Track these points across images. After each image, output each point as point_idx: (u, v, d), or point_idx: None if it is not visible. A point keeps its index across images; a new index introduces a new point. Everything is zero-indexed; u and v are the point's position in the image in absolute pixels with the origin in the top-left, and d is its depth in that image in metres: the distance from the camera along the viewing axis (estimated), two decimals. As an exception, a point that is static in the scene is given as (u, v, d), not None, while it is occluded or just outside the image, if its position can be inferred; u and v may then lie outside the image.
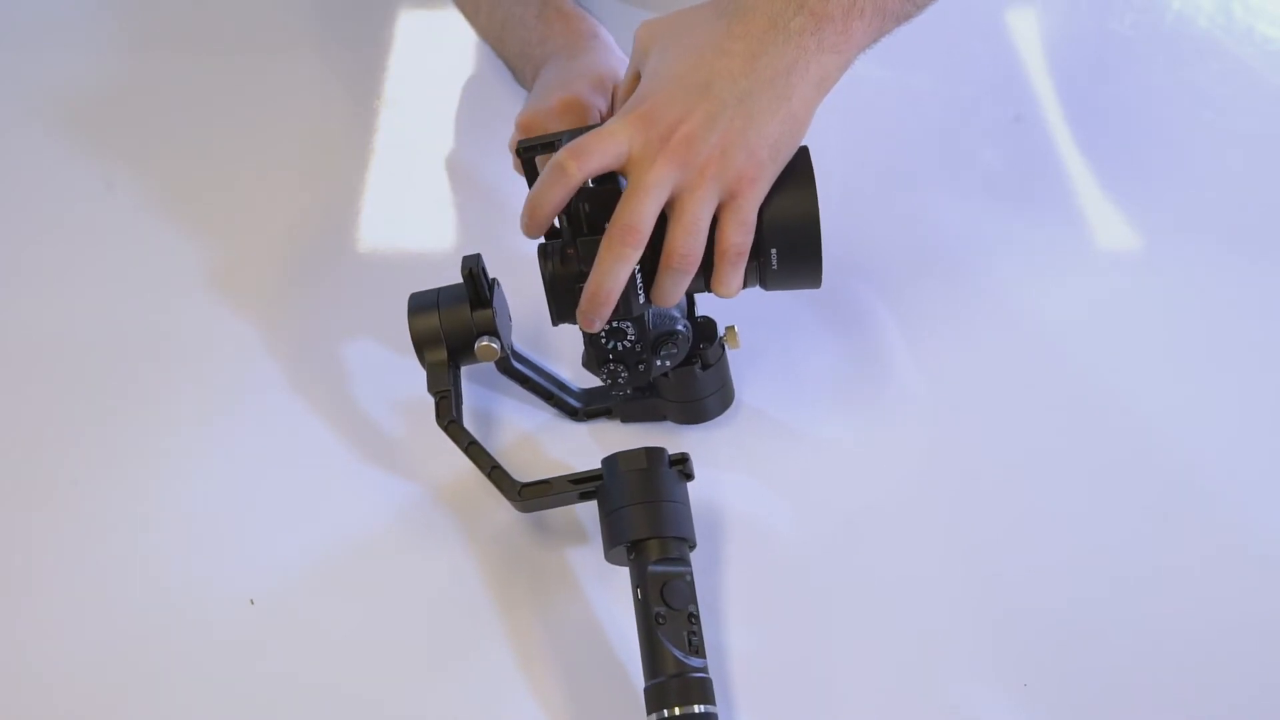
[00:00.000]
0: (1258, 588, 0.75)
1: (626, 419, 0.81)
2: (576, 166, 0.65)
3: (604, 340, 0.73)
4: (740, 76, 0.66)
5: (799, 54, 0.66)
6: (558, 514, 0.77)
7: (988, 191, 0.95)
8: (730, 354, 0.80)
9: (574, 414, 0.81)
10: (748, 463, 0.80)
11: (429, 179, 0.98)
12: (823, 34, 0.66)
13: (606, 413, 0.81)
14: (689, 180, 0.66)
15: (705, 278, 0.70)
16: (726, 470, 0.79)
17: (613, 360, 0.74)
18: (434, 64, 1.06)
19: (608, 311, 0.68)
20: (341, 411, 0.82)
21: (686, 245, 0.66)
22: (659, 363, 0.74)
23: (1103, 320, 0.88)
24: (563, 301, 0.71)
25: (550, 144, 0.71)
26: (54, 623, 0.74)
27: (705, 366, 0.77)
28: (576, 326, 0.71)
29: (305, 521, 0.78)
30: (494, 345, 0.74)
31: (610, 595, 0.73)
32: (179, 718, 0.71)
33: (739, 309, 0.79)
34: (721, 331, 0.78)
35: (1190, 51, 1.06)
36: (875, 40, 0.69)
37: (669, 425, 0.81)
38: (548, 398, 0.81)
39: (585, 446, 0.81)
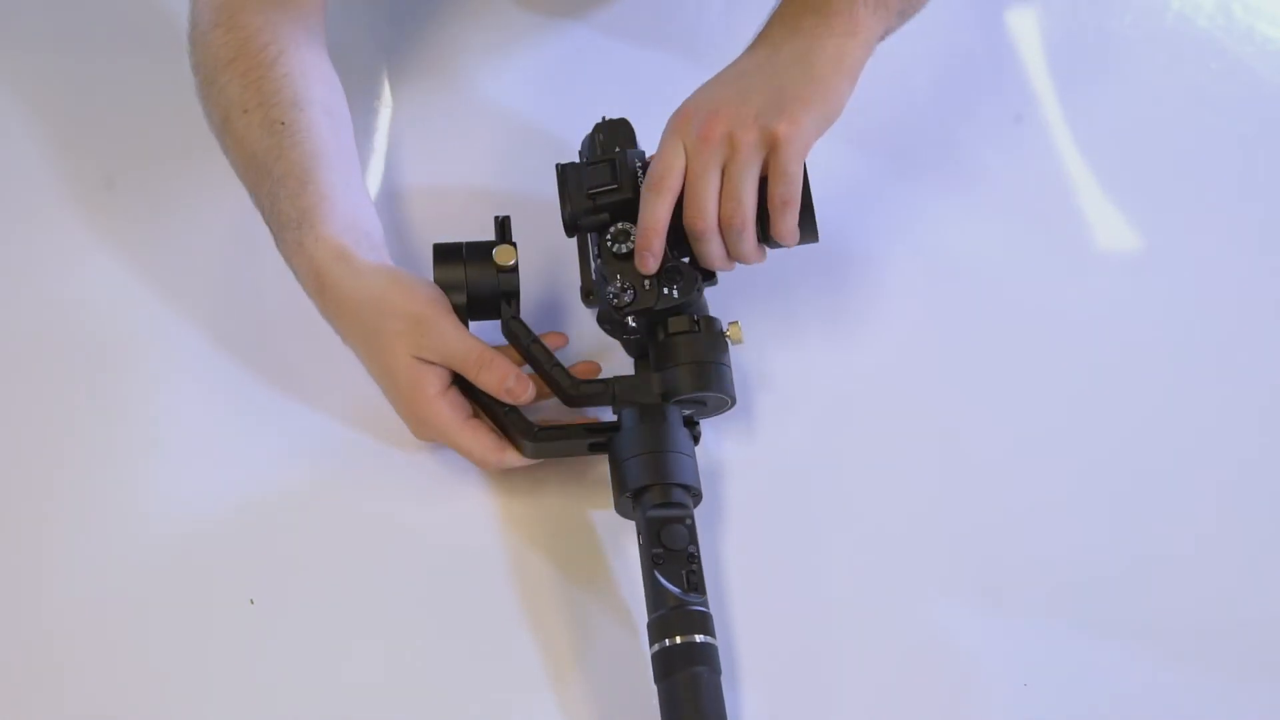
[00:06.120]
0: (1258, 584, 0.75)
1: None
2: (666, 191, 0.75)
3: (610, 243, 0.77)
4: (765, 65, 0.77)
5: (812, 41, 0.76)
6: (568, 487, 0.78)
7: (988, 191, 0.95)
8: (731, 350, 0.80)
9: (566, 393, 0.78)
10: (746, 452, 0.80)
11: (429, 179, 0.97)
12: (831, 23, 0.76)
13: (599, 396, 0.78)
14: (730, 155, 0.74)
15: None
16: (725, 455, 0.80)
17: (621, 277, 0.76)
18: (434, 64, 1.06)
19: (659, 245, 0.75)
20: (343, 408, 0.82)
21: (730, 210, 0.75)
22: (665, 290, 0.75)
23: (1102, 320, 0.88)
24: (575, 197, 0.77)
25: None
26: (54, 623, 0.74)
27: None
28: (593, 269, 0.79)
29: (305, 518, 0.78)
30: (512, 249, 0.77)
31: (621, 546, 0.74)
32: (179, 717, 0.71)
33: (741, 307, 0.79)
34: (725, 326, 0.78)
35: (1190, 51, 1.06)
36: (884, 28, 0.79)
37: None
38: (546, 366, 0.78)
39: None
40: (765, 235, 0.77)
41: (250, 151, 0.79)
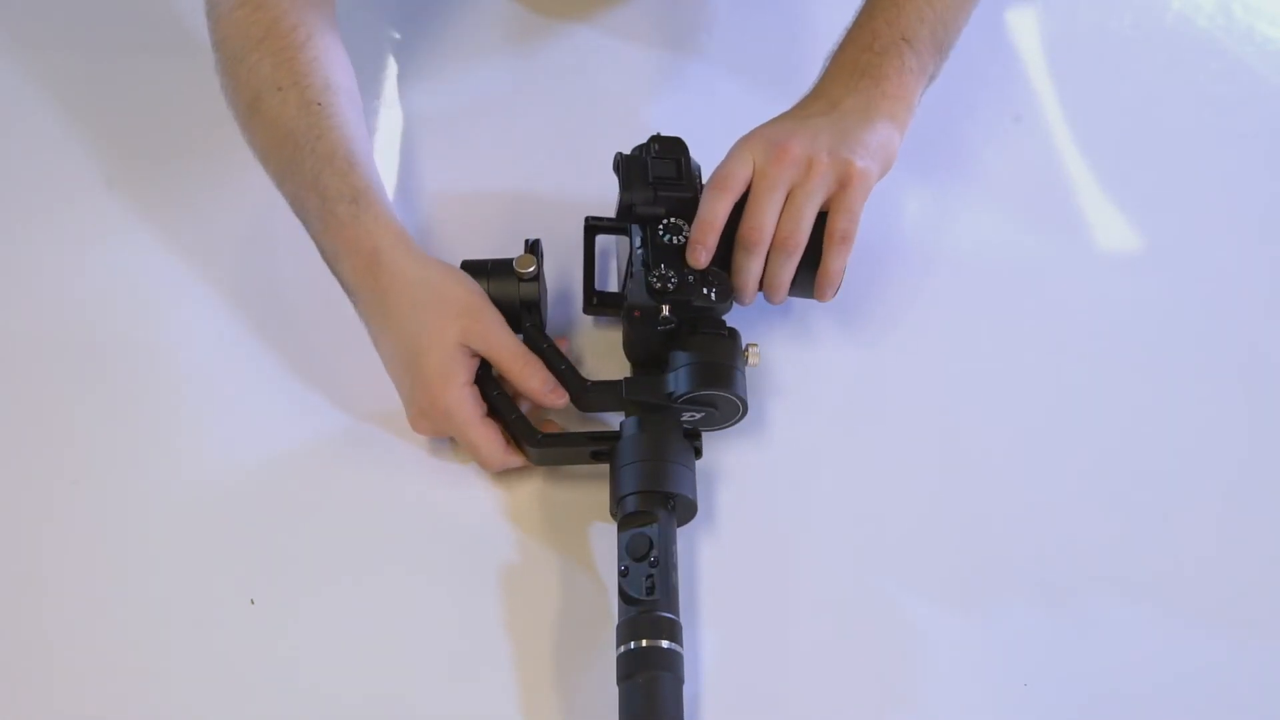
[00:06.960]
0: (1258, 582, 0.75)
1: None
2: (729, 191, 0.76)
3: (661, 234, 0.78)
4: (828, 112, 0.80)
5: (869, 99, 0.80)
6: (571, 491, 0.78)
7: (987, 192, 0.96)
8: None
9: (577, 393, 0.79)
10: (748, 454, 0.80)
11: (429, 179, 0.97)
12: (884, 87, 0.81)
13: (608, 395, 0.79)
14: (800, 179, 0.76)
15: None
16: (729, 459, 0.80)
17: (664, 265, 0.77)
18: (434, 65, 1.06)
19: (713, 241, 0.76)
20: (343, 409, 0.82)
21: (788, 229, 0.76)
22: (705, 290, 0.77)
23: (1102, 321, 0.88)
24: (638, 185, 0.79)
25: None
26: (54, 623, 0.74)
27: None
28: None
29: (304, 519, 0.78)
30: (532, 258, 0.79)
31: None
32: (179, 717, 0.71)
33: (741, 307, 0.80)
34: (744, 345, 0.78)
35: (1190, 51, 1.06)
36: (922, 91, 0.84)
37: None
38: (559, 367, 0.79)
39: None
40: (794, 278, 0.79)
41: (286, 130, 0.79)
